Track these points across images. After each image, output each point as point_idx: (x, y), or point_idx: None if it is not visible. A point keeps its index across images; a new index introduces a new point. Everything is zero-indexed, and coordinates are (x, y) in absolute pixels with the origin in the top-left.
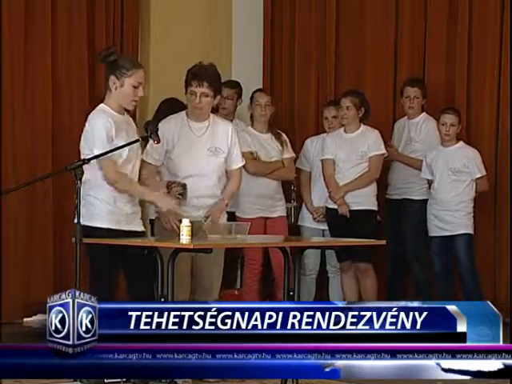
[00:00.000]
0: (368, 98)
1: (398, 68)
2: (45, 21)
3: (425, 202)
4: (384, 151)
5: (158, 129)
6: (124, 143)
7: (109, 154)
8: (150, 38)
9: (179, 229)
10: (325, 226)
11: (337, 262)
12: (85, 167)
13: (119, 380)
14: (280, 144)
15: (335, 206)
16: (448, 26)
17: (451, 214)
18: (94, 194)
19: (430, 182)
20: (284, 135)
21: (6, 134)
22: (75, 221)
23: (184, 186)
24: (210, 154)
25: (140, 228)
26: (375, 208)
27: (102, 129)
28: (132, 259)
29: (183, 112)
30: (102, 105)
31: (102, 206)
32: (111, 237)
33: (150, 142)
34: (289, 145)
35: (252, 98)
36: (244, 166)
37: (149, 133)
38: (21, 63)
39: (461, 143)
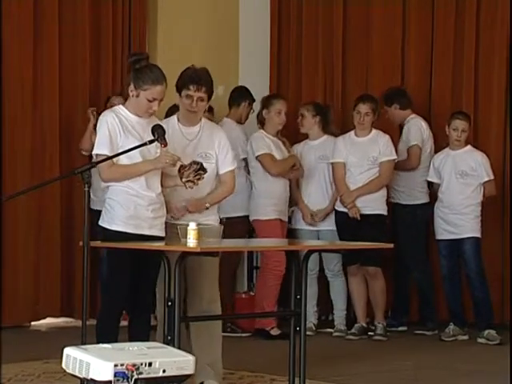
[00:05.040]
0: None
1: (405, 70)
2: (52, 21)
3: (419, 206)
4: (395, 156)
5: (165, 132)
6: (135, 145)
7: (115, 159)
8: (157, 40)
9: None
10: (319, 227)
11: (334, 266)
12: None
13: None
14: (284, 146)
15: (345, 210)
16: (455, 31)
17: (459, 218)
18: (115, 198)
19: (436, 186)
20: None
21: (14, 136)
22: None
23: (196, 162)
24: (200, 159)
25: (161, 233)
26: (385, 213)
27: (104, 129)
28: (146, 264)
29: (173, 117)
30: (118, 106)
31: (122, 211)
32: (130, 241)
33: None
34: (292, 150)
35: (270, 104)
36: (266, 168)
37: (156, 136)
38: (30, 62)
39: (469, 147)
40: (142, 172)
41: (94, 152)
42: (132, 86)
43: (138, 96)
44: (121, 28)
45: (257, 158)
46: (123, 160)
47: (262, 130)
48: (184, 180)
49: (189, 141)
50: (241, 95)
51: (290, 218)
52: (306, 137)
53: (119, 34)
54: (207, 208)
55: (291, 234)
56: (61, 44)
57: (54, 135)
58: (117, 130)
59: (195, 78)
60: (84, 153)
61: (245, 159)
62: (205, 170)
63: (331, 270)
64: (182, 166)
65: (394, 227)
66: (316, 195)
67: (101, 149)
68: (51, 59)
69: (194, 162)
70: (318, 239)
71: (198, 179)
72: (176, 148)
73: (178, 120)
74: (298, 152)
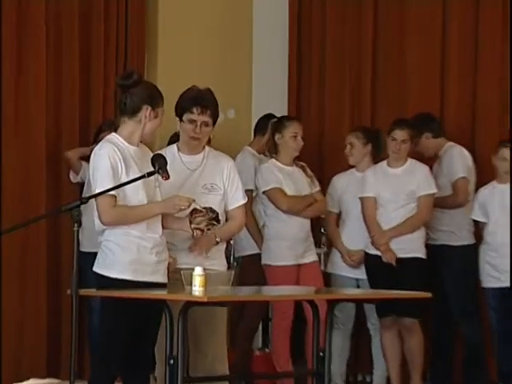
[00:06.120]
0: None
1: (444, 91)
2: (38, 44)
3: (467, 247)
4: (435, 190)
5: (166, 162)
6: (132, 178)
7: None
8: (157, 61)
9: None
10: (359, 275)
11: (377, 319)
12: None
13: None
14: (307, 177)
15: (377, 252)
16: (502, 42)
17: (509, 262)
18: (115, 240)
19: (481, 225)
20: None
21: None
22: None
23: (213, 210)
24: (205, 191)
25: (164, 279)
26: (424, 256)
27: (106, 164)
28: (146, 316)
29: (173, 145)
30: (111, 135)
31: (122, 255)
32: (129, 289)
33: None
34: (314, 178)
35: (283, 127)
36: (276, 205)
37: (156, 168)
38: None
39: None
40: (150, 216)
41: (96, 191)
42: (148, 108)
43: (156, 116)
44: (115, 50)
45: (263, 193)
46: (130, 200)
47: (273, 160)
48: (193, 226)
49: (190, 171)
50: (267, 124)
51: (326, 262)
52: (331, 167)
53: (112, 58)
54: (217, 243)
55: (326, 279)
56: (48, 69)
57: (39, 168)
58: (119, 164)
59: (199, 100)
60: (72, 178)
61: (253, 190)
62: (218, 222)
63: (373, 324)
64: (195, 209)
65: (437, 273)
66: (360, 235)
67: (105, 187)
68: (37, 86)
69: (211, 210)
70: (358, 287)
71: (209, 229)
72: (175, 179)
73: (179, 149)
74: (343, 185)
